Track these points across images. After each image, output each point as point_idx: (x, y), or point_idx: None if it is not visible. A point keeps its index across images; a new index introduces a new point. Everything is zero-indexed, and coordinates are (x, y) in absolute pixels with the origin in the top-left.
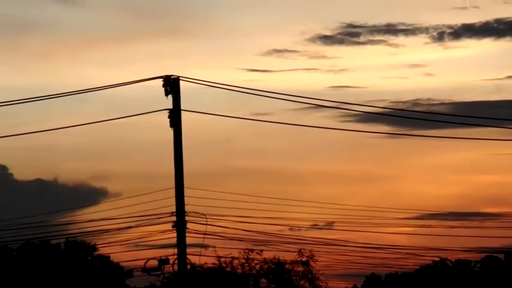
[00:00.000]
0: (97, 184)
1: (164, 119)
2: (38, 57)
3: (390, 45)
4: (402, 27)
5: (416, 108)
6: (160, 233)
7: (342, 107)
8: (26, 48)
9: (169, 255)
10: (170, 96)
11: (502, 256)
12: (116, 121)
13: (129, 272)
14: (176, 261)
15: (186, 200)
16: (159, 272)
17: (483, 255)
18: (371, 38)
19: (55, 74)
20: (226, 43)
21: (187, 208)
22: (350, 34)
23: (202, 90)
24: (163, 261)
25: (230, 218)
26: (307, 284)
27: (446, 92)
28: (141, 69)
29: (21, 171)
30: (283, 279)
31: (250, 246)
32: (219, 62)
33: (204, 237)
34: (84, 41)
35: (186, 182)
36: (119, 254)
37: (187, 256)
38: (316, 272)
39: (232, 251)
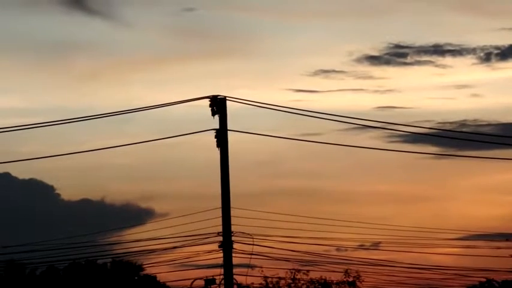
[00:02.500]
0: (143, 204)
1: (211, 139)
2: (86, 77)
3: (437, 66)
4: (449, 47)
5: (464, 129)
6: (207, 253)
7: (388, 127)
8: (74, 68)
9: (216, 275)
10: (217, 116)
11: None
12: (163, 141)
13: None
14: (223, 281)
15: (233, 220)
16: None
17: None
18: (418, 58)
19: (102, 94)
20: (273, 63)
21: (233, 228)
22: (397, 54)
23: (249, 110)
24: (210, 281)
25: (277, 238)
26: None
27: (493, 113)
28: (188, 89)
29: (68, 191)
30: None
31: (296, 267)
32: (266, 82)
33: (250, 257)
34: (132, 62)
35: (233, 202)
36: (166, 274)
37: (234, 276)
38: None
39: (278, 271)
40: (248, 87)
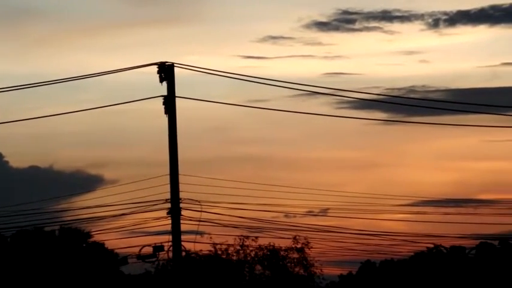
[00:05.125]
0: (93, 171)
1: (159, 106)
2: (36, 44)
3: (386, 32)
4: (398, 13)
5: (412, 95)
6: (155, 219)
7: (337, 93)
8: (24, 35)
9: (164, 242)
10: (165, 83)
11: (496, 243)
12: (111, 108)
13: (124, 259)
14: (171, 248)
15: (181, 187)
16: (153, 259)
17: (478, 241)
18: (366, 24)
19: (52, 61)
20: (222, 30)
21: (182, 195)
22: (345, 21)
23: (199, 77)
24: (158, 248)
25: (225, 204)
26: (301, 271)
27: (442, 79)
28: (138, 56)
29: (17, 159)
30: (277, 266)
31: (245, 233)
32: (215, 48)
33: (198, 224)
34: (81, 28)
35: (181, 169)
36: (114, 241)
37: (182, 243)
38: (311, 258)
39: (227, 237)
40: (197, 53)
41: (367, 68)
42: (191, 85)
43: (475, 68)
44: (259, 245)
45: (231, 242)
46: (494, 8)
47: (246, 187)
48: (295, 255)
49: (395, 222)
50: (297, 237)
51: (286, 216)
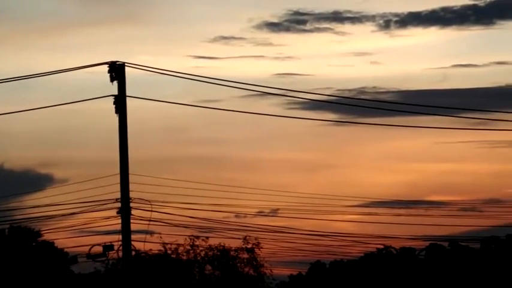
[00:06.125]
0: (43, 170)
1: (110, 105)
2: None
3: (337, 33)
4: (349, 15)
5: (363, 96)
6: (105, 219)
7: (288, 94)
8: None
9: (114, 242)
10: (116, 83)
11: (446, 244)
12: (62, 107)
13: (74, 258)
14: (121, 248)
15: (132, 186)
16: (103, 258)
17: (428, 243)
18: (317, 25)
19: (3, 60)
20: (174, 30)
21: (132, 194)
22: (296, 21)
23: (151, 77)
24: (108, 248)
25: (176, 204)
26: (251, 271)
27: (393, 80)
28: (90, 55)
29: None
30: (228, 266)
31: (195, 233)
32: (167, 49)
33: (148, 224)
34: (34, 28)
35: (132, 169)
36: (64, 240)
37: (132, 242)
38: (261, 259)
39: (177, 237)
40: (149, 53)
41: (318, 69)
42: (143, 85)
43: (426, 70)
44: (210, 245)
45: (181, 241)
46: (445, 9)
47: (196, 187)
48: (246, 256)
49: (346, 223)
50: (248, 237)
51: (236, 216)
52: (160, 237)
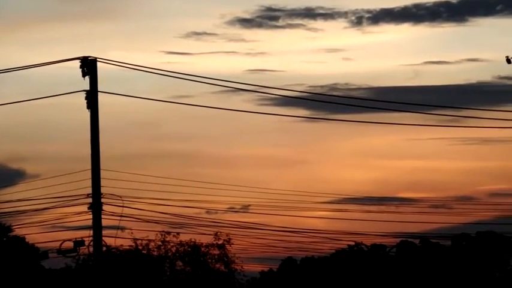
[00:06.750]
0: (14, 165)
1: (82, 100)
2: None
3: (309, 29)
4: (321, 11)
5: (334, 93)
6: (76, 214)
7: (260, 90)
8: None
9: (85, 237)
10: (87, 78)
11: (417, 241)
12: (34, 102)
13: (45, 254)
14: (92, 243)
15: (103, 182)
16: (74, 254)
17: (399, 240)
18: (290, 21)
19: None
20: (146, 26)
21: (103, 190)
22: (269, 17)
23: (124, 72)
24: (79, 243)
25: (147, 200)
26: (222, 267)
27: (364, 77)
28: (62, 50)
29: None
30: (198, 262)
31: (166, 229)
32: (139, 44)
33: (120, 219)
34: (5, 23)
35: (104, 164)
36: (35, 235)
37: (103, 238)
38: (232, 255)
39: (148, 233)
40: (122, 49)
41: (290, 65)
42: (115, 80)
43: (398, 67)
44: (181, 241)
45: (152, 237)
46: (417, 6)
47: (168, 183)
48: (217, 252)
49: (317, 220)
50: (219, 233)
51: (207, 212)
52: (132, 232)
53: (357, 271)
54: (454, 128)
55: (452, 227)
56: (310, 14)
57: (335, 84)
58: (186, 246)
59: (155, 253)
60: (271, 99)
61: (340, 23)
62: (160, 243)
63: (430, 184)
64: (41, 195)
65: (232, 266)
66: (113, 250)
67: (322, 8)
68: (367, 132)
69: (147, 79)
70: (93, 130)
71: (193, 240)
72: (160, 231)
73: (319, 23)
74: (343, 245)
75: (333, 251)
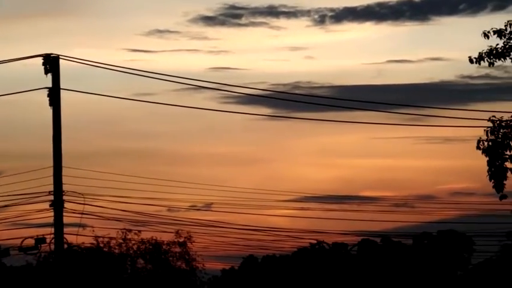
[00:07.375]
0: None
1: (44, 98)
2: None
3: (272, 27)
4: (284, 9)
5: (297, 91)
6: (38, 211)
7: (222, 88)
8: None
9: (47, 235)
10: (50, 75)
11: (378, 240)
12: None
13: (6, 251)
14: (53, 241)
15: (65, 179)
16: (35, 251)
17: (360, 238)
18: (253, 20)
19: None
20: (109, 23)
21: (65, 187)
22: (232, 16)
23: (86, 70)
24: (40, 240)
25: (108, 198)
26: (184, 265)
27: (327, 76)
28: (25, 48)
29: None
30: (160, 260)
31: (128, 227)
32: (102, 41)
33: (81, 217)
34: None
35: (66, 162)
36: None
37: (65, 235)
38: (194, 253)
39: (110, 231)
40: (84, 46)
41: (252, 63)
42: (77, 78)
43: (361, 65)
44: (142, 239)
45: (113, 235)
46: (380, 5)
47: (129, 180)
48: (178, 250)
49: (279, 218)
50: (180, 231)
51: (169, 210)
52: (93, 230)
53: (318, 269)
54: (418, 127)
55: (414, 225)
56: (273, 12)
57: (298, 82)
58: (148, 244)
59: (116, 251)
60: (234, 97)
61: (303, 22)
62: (121, 241)
63: (393, 183)
64: (3, 193)
65: (194, 264)
66: (74, 248)
67: (285, 6)
68: (330, 131)
69: (110, 76)
70: (55, 127)
71: (154, 238)
72: (121, 229)
73: (282, 22)
74: (304, 243)
75: (295, 249)
